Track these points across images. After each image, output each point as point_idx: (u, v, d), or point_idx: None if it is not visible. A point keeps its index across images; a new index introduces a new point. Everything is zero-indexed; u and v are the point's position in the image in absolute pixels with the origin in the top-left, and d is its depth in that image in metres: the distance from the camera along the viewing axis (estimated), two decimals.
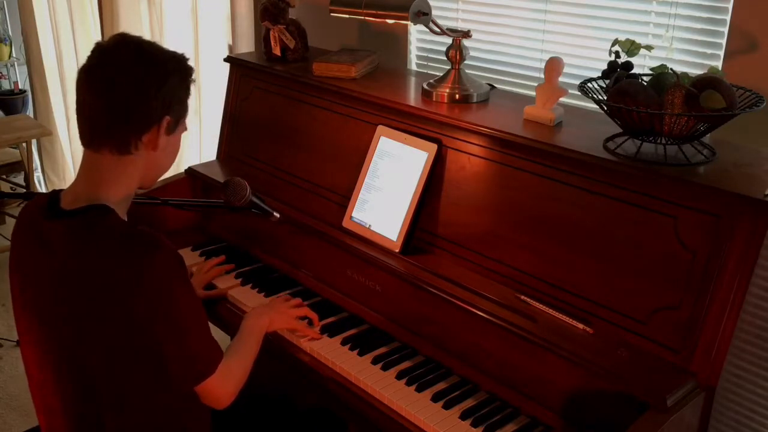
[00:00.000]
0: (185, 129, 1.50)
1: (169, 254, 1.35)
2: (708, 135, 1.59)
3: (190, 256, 2.21)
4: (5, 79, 5.10)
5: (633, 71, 1.67)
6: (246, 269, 2.12)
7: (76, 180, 1.44)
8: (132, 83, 1.35)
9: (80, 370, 1.39)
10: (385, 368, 1.70)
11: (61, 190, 1.45)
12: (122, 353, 1.36)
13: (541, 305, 1.60)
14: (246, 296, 1.99)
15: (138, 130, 1.38)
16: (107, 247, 1.34)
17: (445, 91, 1.98)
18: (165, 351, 1.36)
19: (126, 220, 1.43)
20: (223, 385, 1.47)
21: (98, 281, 1.32)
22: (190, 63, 1.46)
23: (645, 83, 1.60)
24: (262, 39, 2.40)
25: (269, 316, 1.75)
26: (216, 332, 2.22)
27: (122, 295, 1.31)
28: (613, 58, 1.70)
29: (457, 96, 1.98)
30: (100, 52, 1.38)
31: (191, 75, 1.46)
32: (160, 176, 1.53)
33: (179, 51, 1.44)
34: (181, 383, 1.41)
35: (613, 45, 1.70)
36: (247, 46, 3.14)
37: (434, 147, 1.83)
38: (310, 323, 1.83)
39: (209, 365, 1.43)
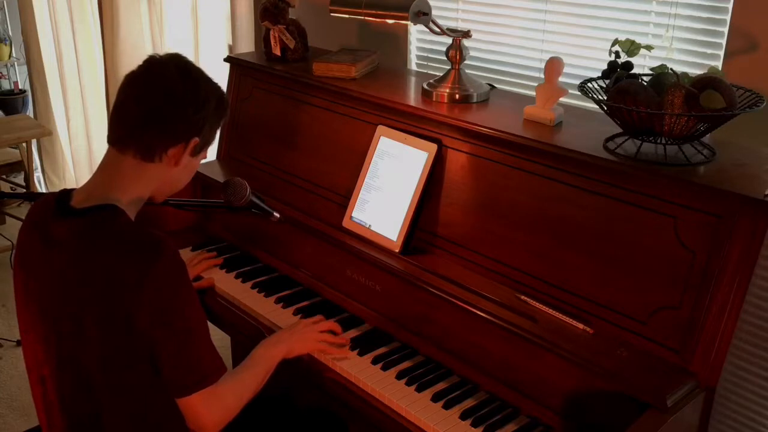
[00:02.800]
0: (205, 156, 1.56)
1: (175, 259, 1.36)
2: (708, 135, 1.59)
3: (189, 256, 2.21)
4: (5, 79, 5.10)
5: (633, 71, 1.67)
6: (246, 269, 2.11)
7: (91, 179, 1.47)
8: (172, 97, 1.42)
9: (79, 367, 1.39)
10: (385, 368, 1.70)
11: (72, 189, 1.47)
12: (121, 353, 1.36)
13: (541, 305, 1.60)
14: (244, 295, 1.99)
15: (166, 142, 1.43)
16: (114, 248, 1.35)
17: (445, 91, 1.98)
18: (162, 355, 1.36)
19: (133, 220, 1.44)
20: (208, 408, 1.42)
21: (103, 280, 1.33)
22: (228, 102, 1.54)
23: (645, 83, 1.60)
24: (262, 39, 2.40)
25: (288, 344, 1.68)
26: (216, 333, 2.23)
27: (125, 296, 1.32)
28: (613, 58, 1.70)
29: (457, 96, 1.98)
30: (150, 62, 1.45)
31: (226, 109, 1.53)
32: (173, 193, 1.55)
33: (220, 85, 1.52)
34: (171, 390, 1.40)
35: (613, 45, 1.70)
36: (247, 46, 3.14)
37: (434, 147, 1.83)
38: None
39: (205, 377, 1.41)
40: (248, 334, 1.90)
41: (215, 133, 1.54)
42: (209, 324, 2.11)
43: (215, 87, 1.50)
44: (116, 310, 1.32)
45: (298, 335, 1.72)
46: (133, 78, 1.44)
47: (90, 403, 1.41)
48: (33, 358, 1.49)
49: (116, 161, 1.44)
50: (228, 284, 2.04)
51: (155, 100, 1.41)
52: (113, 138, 1.44)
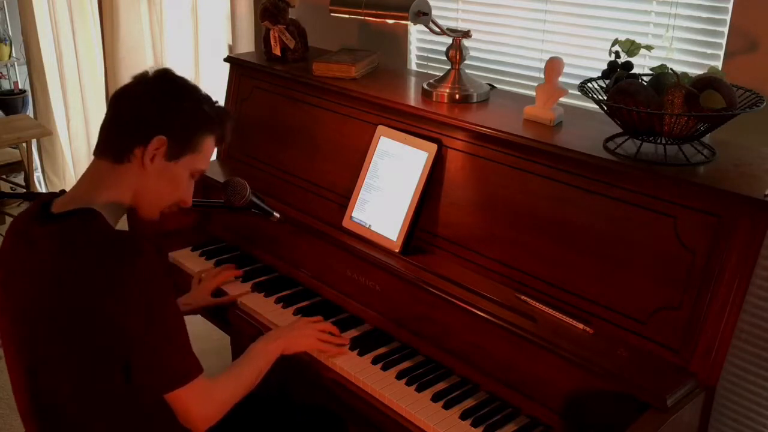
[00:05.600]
0: (200, 173, 1.53)
1: (151, 261, 1.33)
2: (708, 135, 1.59)
3: (190, 256, 2.21)
4: (5, 79, 5.09)
5: (633, 71, 1.67)
6: (246, 269, 2.11)
7: (73, 186, 1.48)
8: (139, 97, 1.44)
9: (55, 373, 1.37)
10: (385, 368, 1.70)
11: (56, 196, 1.47)
12: (95, 356, 1.33)
13: (541, 305, 1.60)
14: (244, 295, 1.99)
15: (129, 140, 1.44)
16: (89, 250, 1.33)
17: (445, 91, 1.98)
18: (135, 358, 1.34)
19: (114, 227, 1.42)
20: (198, 404, 1.41)
21: (77, 283, 1.31)
22: (225, 115, 1.53)
23: (645, 83, 1.60)
24: (262, 39, 2.40)
25: (286, 340, 1.68)
26: (216, 332, 2.23)
27: (99, 298, 1.29)
28: (613, 58, 1.70)
29: (457, 96, 1.98)
30: (138, 76, 1.49)
31: (213, 119, 1.50)
32: (159, 206, 1.52)
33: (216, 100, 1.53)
34: (148, 391, 1.37)
35: (613, 45, 1.70)
36: (247, 46, 3.14)
37: (434, 147, 1.83)
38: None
39: (182, 377, 1.38)
40: (248, 334, 1.90)
41: (198, 140, 1.48)
42: (207, 324, 2.13)
43: (198, 94, 1.49)
44: (91, 312, 1.30)
45: (297, 332, 1.72)
46: (117, 91, 1.49)
47: (66, 410, 1.38)
48: (9, 364, 1.47)
49: (94, 167, 1.47)
50: (228, 284, 2.04)
51: (124, 102, 1.46)
52: (95, 148, 1.49)
